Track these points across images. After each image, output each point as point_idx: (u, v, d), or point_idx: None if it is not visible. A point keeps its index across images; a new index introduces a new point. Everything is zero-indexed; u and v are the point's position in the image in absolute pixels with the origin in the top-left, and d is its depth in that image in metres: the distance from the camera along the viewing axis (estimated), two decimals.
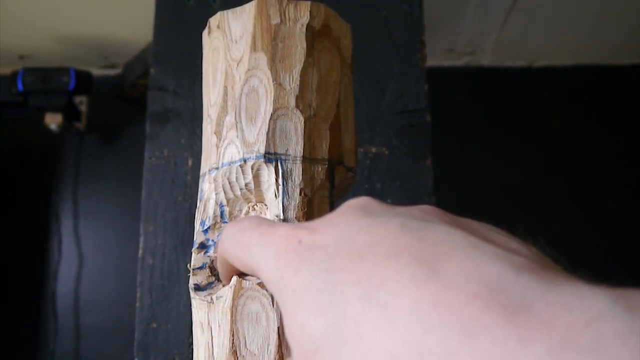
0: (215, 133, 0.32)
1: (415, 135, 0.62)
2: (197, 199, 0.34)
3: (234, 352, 0.28)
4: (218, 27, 0.34)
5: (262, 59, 0.32)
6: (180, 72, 0.64)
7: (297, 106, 0.31)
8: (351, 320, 0.16)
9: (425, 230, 0.18)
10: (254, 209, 0.32)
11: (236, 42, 0.33)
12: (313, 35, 0.33)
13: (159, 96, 0.64)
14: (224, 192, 0.31)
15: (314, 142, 0.32)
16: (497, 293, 0.15)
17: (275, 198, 0.30)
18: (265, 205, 0.31)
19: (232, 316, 0.28)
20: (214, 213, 0.31)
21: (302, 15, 0.33)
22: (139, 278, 0.58)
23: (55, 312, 1.23)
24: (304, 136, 0.31)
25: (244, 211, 0.32)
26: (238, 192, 0.31)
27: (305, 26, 0.33)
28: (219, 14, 0.34)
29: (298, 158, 0.31)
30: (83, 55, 1.28)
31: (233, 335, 0.28)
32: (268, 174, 0.31)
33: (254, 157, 0.30)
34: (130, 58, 1.26)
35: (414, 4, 0.66)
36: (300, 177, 0.31)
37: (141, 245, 0.59)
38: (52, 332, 1.22)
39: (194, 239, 0.32)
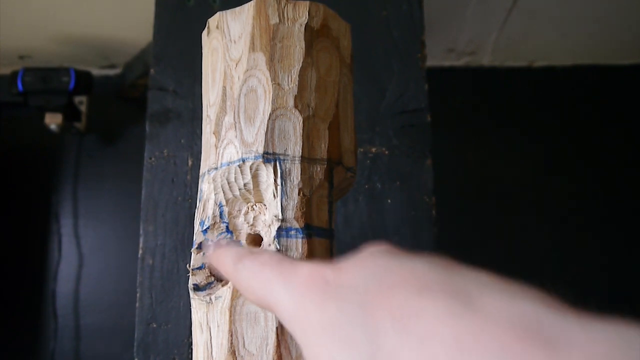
0: (214, 133, 0.32)
1: (415, 135, 0.62)
2: (197, 199, 0.34)
3: (233, 352, 0.28)
4: (217, 27, 0.34)
5: (261, 59, 0.32)
6: (180, 72, 0.64)
7: (295, 106, 0.31)
8: (387, 353, 0.17)
9: (452, 271, 0.18)
10: (253, 209, 0.32)
11: (235, 42, 0.33)
12: (312, 35, 0.33)
13: (159, 96, 0.64)
14: (223, 192, 0.31)
15: (313, 142, 0.32)
16: (535, 327, 0.15)
17: (274, 198, 0.30)
18: (264, 205, 0.31)
19: (230, 316, 0.28)
20: (213, 213, 0.31)
21: (301, 15, 0.33)
22: (139, 278, 0.58)
23: (55, 312, 1.23)
24: (302, 136, 0.31)
25: (243, 211, 0.32)
26: (237, 192, 0.31)
27: (304, 26, 0.33)
28: (218, 14, 0.34)
29: (297, 158, 0.31)
30: (83, 55, 1.28)
31: (232, 335, 0.28)
32: (267, 174, 0.31)
33: (253, 157, 0.30)
34: (130, 58, 1.27)
35: (414, 4, 0.66)
36: (299, 177, 0.31)
37: (141, 245, 0.59)
38: (52, 332, 1.22)
39: (194, 239, 0.32)
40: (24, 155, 1.33)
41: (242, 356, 0.28)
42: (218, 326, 0.29)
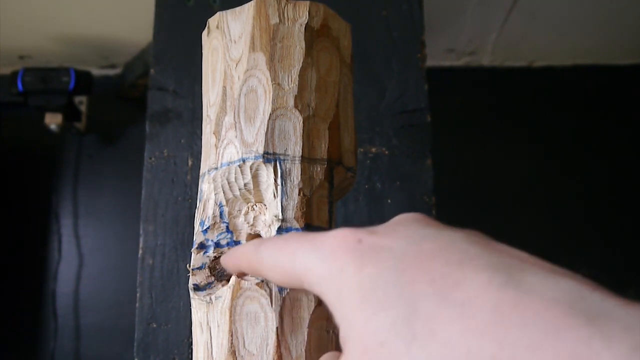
0: (214, 133, 0.32)
1: (415, 135, 0.62)
2: (197, 199, 0.34)
3: (233, 352, 0.28)
4: (217, 27, 0.34)
5: (261, 59, 0.32)
6: (180, 72, 0.64)
7: (295, 106, 0.31)
8: (424, 317, 0.16)
9: (491, 247, 0.18)
10: (253, 209, 0.32)
11: (235, 42, 0.33)
12: (312, 35, 0.33)
13: (159, 96, 0.64)
14: (223, 193, 0.31)
15: (313, 142, 0.32)
16: (577, 301, 0.15)
17: (274, 198, 0.30)
18: (264, 205, 0.31)
19: (230, 316, 0.28)
20: (213, 213, 0.31)
21: (301, 15, 0.33)
22: (139, 278, 0.58)
23: (55, 312, 1.23)
24: (302, 136, 0.31)
25: (243, 211, 0.32)
26: (237, 192, 0.31)
27: (304, 26, 0.33)
28: (218, 14, 0.34)
29: (297, 158, 0.31)
30: (83, 55, 1.28)
31: (232, 335, 0.28)
32: (267, 174, 0.31)
33: (253, 157, 0.30)
34: (130, 58, 1.27)
35: (414, 4, 0.66)
36: (299, 177, 0.31)
37: (141, 245, 0.59)
38: (52, 332, 1.22)
39: (194, 239, 0.32)
40: (24, 155, 1.33)
41: (242, 356, 0.28)
42: (218, 326, 0.29)
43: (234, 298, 0.28)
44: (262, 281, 0.28)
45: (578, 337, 0.14)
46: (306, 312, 0.28)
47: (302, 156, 0.31)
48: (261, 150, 0.31)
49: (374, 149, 0.62)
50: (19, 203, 1.29)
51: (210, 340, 0.29)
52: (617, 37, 1.26)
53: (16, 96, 1.16)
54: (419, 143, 0.62)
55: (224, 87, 0.33)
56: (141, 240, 0.59)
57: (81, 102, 1.27)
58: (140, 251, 0.59)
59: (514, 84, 1.36)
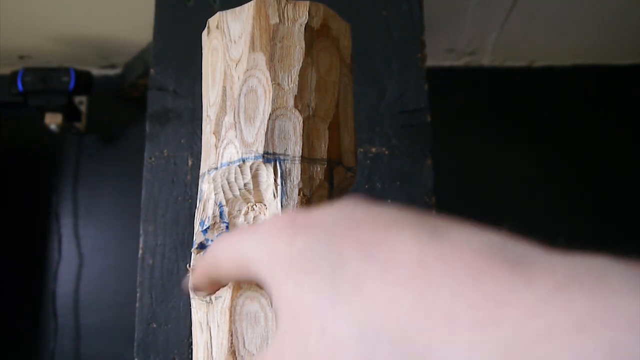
0: (214, 133, 0.32)
1: (415, 135, 0.62)
2: (197, 199, 0.34)
3: (233, 352, 0.28)
4: (217, 27, 0.34)
5: (261, 59, 0.32)
6: (180, 72, 0.64)
7: (295, 106, 0.31)
8: (349, 276, 0.17)
9: (423, 215, 0.18)
10: (253, 209, 0.32)
11: (235, 42, 0.33)
12: (312, 35, 0.33)
13: (159, 96, 0.64)
14: (223, 192, 0.31)
15: (313, 142, 0.32)
16: (500, 249, 0.15)
17: (274, 198, 0.30)
18: (264, 205, 0.31)
19: (230, 316, 0.28)
20: (213, 213, 0.31)
21: (301, 15, 0.33)
22: (139, 278, 0.58)
23: (55, 312, 1.23)
24: (302, 136, 0.31)
25: (243, 211, 0.32)
26: (237, 192, 0.31)
27: (304, 26, 0.33)
28: (217, 14, 0.34)
29: (297, 158, 0.31)
30: (83, 55, 1.28)
31: (232, 335, 0.28)
32: (267, 174, 0.31)
33: (253, 157, 0.30)
34: (130, 58, 1.27)
35: (414, 4, 0.66)
36: (299, 177, 0.31)
37: (141, 245, 0.59)
38: (52, 332, 1.22)
39: (194, 239, 0.32)
40: (24, 155, 1.33)
41: (242, 356, 0.28)
42: (218, 326, 0.29)
43: (234, 298, 0.28)
44: None
45: (499, 281, 0.14)
46: None
47: (302, 156, 0.31)
48: (261, 150, 0.31)
49: (374, 149, 0.62)
50: (19, 203, 1.29)
51: (210, 340, 0.29)
52: (617, 37, 1.26)
53: (16, 96, 1.16)
54: (419, 143, 0.62)
55: (224, 87, 0.33)
56: (141, 240, 0.59)
57: (81, 102, 1.27)
58: (140, 251, 0.59)
59: (514, 84, 1.36)
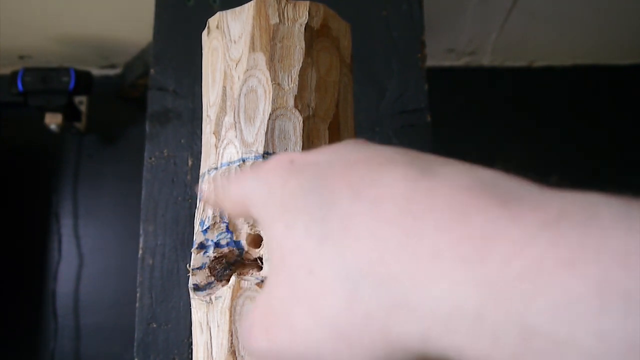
0: (214, 133, 0.32)
1: (415, 135, 0.62)
2: (197, 199, 0.34)
3: (233, 352, 0.28)
4: (217, 27, 0.34)
5: (261, 59, 0.32)
6: (180, 72, 0.64)
7: (295, 106, 0.31)
8: (338, 216, 0.17)
9: (420, 153, 0.18)
10: None
11: (235, 42, 0.33)
12: (312, 35, 0.33)
13: (159, 96, 0.64)
14: None
15: (313, 142, 0.32)
16: (490, 186, 0.15)
17: None
18: None
19: (230, 316, 0.28)
20: (213, 213, 0.31)
21: (301, 15, 0.33)
22: (139, 278, 0.58)
23: (55, 312, 1.23)
24: (302, 136, 0.31)
25: None
26: None
27: (304, 26, 0.33)
28: (218, 14, 0.34)
29: None
30: (83, 55, 1.28)
31: (232, 335, 0.28)
32: None
33: (253, 157, 0.30)
34: (130, 58, 1.26)
35: (414, 4, 0.66)
36: None
37: (141, 245, 0.59)
38: (52, 332, 1.22)
39: (194, 239, 0.32)
40: (24, 155, 1.33)
41: (242, 356, 0.28)
42: (218, 326, 0.29)
43: (234, 298, 0.28)
44: (262, 281, 0.28)
45: (487, 217, 0.14)
46: None
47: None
48: (261, 150, 0.31)
49: None
50: (19, 203, 1.29)
51: (210, 340, 0.29)
52: (617, 37, 1.26)
53: (16, 96, 1.16)
54: (419, 143, 0.62)
55: (224, 87, 0.33)
56: (141, 240, 0.59)
57: (81, 102, 1.27)
58: (140, 251, 0.59)
59: (514, 84, 1.36)
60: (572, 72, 1.36)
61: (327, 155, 0.19)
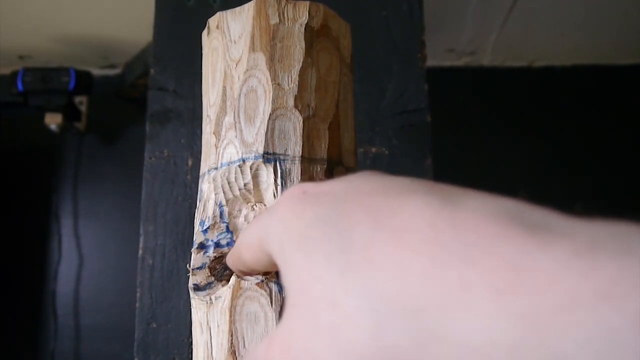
0: (214, 133, 0.32)
1: (415, 135, 0.62)
2: (197, 199, 0.34)
3: (233, 352, 0.28)
4: (217, 27, 0.34)
5: (261, 59, 0.32)
6: (180, 72, 0.64)
7: (295, 106, 0.31)
8: (359, 246, 0.16)
9: (436, 183, 0.18)
10: (254, 209, 0.31)
11: (235, 42, 0.33)
12: (312, 35, 0.33)
13: (159, 96, 0.64)
14: (223, 193, 0.31)
15: (313, 142, 0.32)
16: (516, 215, 0.15)
17: (274, 198, 0.30)
18: (265, 205, 0.31)
19: (230, 316, 0.28)
20: (213, 213, 0.31)
21: (301, 15, 0.33)
22: (139, 278, 0.58)
23: (55, 312, 1.23)
24: (302, 136, 0.31)
25: (243, 212, 0.32)
26: (237, 192, 0.31)
27: (304, 26, 0.33)
28: (218, 14, 0.34)
29: (297, 158, 0.31)
30: (83, 55, 1.28)
31: (232, 336, 0.28)
32: (267, 174, 0.31)
33: (253, 157, 0.30)
34: (130, 58, 1.26)
35: (414, 4, 0.66)
36: (299, 177, 0.31)
37: (141, 245, 0.59)
38: (52, 332, 1.22)
39: (194, 239, 0.32)
40: (24, 155, 1.33)
41: (241, 356, 0.28)
42: (218, 326, 0.29)
43: (234, 298, 0.28)
44: (262, 281, 0.28)
45: (516, 247, 0.13)
46: None
47: (302, 156, 0.31)
48: (261, 150, 0.31)
49: (374, 149, 0.62)
50: (19, 203, 1.29)
51: (210, 340, 0.29)
52: (617, 37, 1.26)
53: (16, 96, 1.16)
54: (419, 143, 0.62)
55: (224, 87, 0.33)
56: (141, 240, 0.59)
57: (81, 102, 1.27)
58: (140, 251, 0.59)
59: (514, 84, 1.36)
60: (572, 72, 1.36)
61: (342, 185, 0.19)
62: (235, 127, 0.31)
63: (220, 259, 0.31)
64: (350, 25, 0.36)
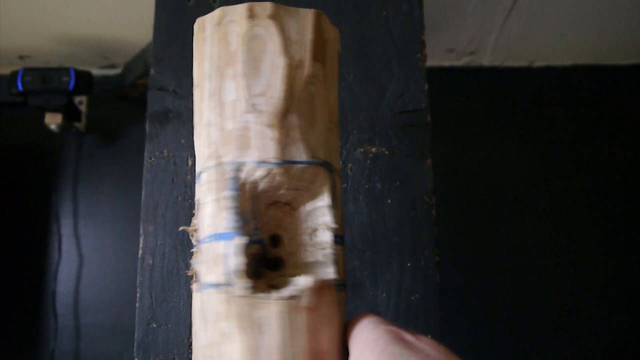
0: (272, 126, 0.31)
1: (415, 135, 0.62)
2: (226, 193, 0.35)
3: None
4: (270, 17, 0.32)
5: (319, 70, 0.32)
6: (180, 72, 0.64)
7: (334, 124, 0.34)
8: None
9: None
10: (289, 211, 0.33)
11: (294, 42, 0.32)
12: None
13: (159, 96, 0.64)
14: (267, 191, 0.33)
15: (333, 150, 0.35)
16: None
17: (326, 205, 0.32)
18: (305, 209, 0.33)
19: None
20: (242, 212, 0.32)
21: (334, 39, 0.35)
22: (139, 278, 0.58)
23: (55, 312, 1.23)
24: (336, 146, 0.35)
25: (272, 212, 0.33)
26: (282, 192, 0.32)
27: (337, 51, 0.35)
28: (268, 4, 0.32)
29: (336, 168, 0.34)
30: (83, 55, 1.28)
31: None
32: (321, 181, 0.32)
33: (312, 162, 0.31)
34: (130, 58, 1.26)
35: (414, 4, 0.66)
36: (339, 187, 0.34)
37: (141, 245, 0.59)
38: (52, 332, 1.22)
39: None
40: (24, 155, 1.33)
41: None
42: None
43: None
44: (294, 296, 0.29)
45: None
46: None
47: (335, 166, 0.33)
48: (322, 157, 0.31)
49: (374, 149, 0.62)
50: (19, 203, 1.29)
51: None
52: (617, 37, 1.26)
53: (16, 96, 1.16)
54: (419, 143, 0.62)
55: (285, 84, 0.31)
56: (141, 240, 0.59)
57: (81, 102, 1.27)
58: (140, 251, 0.59)
59: (514, 84, 1.36)
60: (572, 72, 1.36)
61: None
62: (300, 129, 0.31)
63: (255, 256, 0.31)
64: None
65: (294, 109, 0.31)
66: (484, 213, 1.27)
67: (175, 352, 0.56)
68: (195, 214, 0.32)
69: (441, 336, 0.56)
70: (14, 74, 1.15)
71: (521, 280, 1.24)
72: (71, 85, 1.14)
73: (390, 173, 0.61)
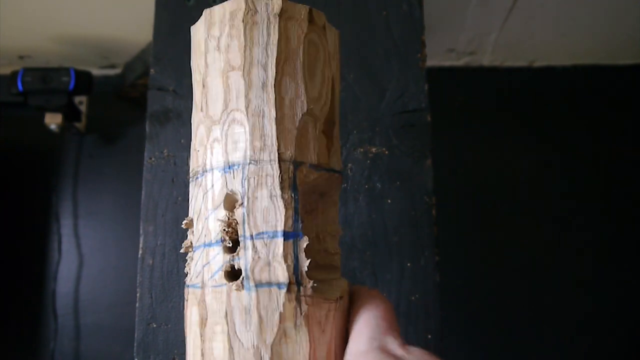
0: (323, 132, 0.31)
1: (415, 135, 0.62)
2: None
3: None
4: (324, 27, 0.33)
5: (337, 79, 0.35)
6: (180, 72, 0.64)
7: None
8: None
9: None
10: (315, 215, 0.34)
11: (332, 56, 0.34)
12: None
13: (159, 96, 0.64)
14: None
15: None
16: None
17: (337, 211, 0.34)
18: (321, 212, 0.35)
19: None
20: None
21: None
22: (139, 278, 0.58)
23: (55, 312, 1.23)
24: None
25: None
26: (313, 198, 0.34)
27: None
28: (322, 14, 0.33)
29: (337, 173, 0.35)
30: (83, 55, 1.28)
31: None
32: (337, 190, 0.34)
33: (340, 172, 0.34)
34: (130, 58, 1.26)
35: (414, 4, 0.66)
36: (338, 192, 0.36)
37: (141, 245, 0.59)
38: (52, 332, 1.22)
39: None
40: (24, 155, 1.33)
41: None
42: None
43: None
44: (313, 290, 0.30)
45: None
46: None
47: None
48: (338, 167, 0.33)
49: (374, 149, 0.62)
50: (19, 203, 1.29)
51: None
52: (617, 37, 1.26)
53: (16, 96, 1.16)
54: (419, 143, 0.62)
55: (333, 90, 0.33)
56: (141, 240, 0.59)
57: (81, 102, 1.27)
58: (140, 251, 0.59)
59: (514, 84, 1.36)
60: (572, 72, 1.36)
61: None
62: (338, 140, 0.33)
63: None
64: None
65: (337, 120, 0.33)
66: (484, 213, 1.27)
67: (175, 352, 0.56)
68: (209, 203, 0.31)
69: (441, 336, 0.56)
70: (14, 74, 1.15)
71: (521, 280, 1.24)
72: (71, 85, 1.14)
73: (390, 173, 0.61)
